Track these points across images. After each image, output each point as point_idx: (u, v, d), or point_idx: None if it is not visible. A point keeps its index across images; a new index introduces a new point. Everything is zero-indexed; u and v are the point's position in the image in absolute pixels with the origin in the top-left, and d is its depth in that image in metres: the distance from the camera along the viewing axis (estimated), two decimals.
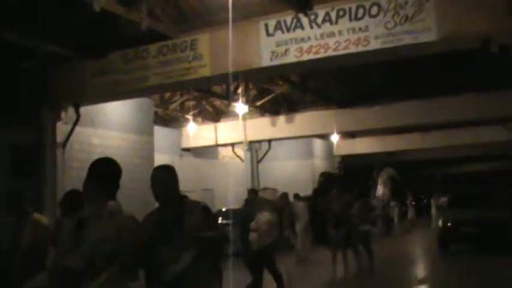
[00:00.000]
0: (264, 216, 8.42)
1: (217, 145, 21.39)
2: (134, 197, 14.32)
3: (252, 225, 8.31)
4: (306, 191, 19.25)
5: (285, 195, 12.31)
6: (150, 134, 15.16)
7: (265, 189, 11.07)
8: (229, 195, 23.51)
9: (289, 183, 22.18)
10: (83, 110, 11.95)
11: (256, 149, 23.71)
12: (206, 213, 3.71)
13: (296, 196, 15.17)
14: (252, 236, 8.13)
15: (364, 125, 18.70)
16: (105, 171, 3.26)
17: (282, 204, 11.92)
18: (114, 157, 3.43)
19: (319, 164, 25.65)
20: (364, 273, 10.42)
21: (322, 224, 11.05)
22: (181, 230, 3.53)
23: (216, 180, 21.96)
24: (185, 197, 3.74)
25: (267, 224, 8.29)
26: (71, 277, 2.98)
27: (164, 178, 3.65)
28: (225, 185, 23.32)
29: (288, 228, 11.78)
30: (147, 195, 3.69)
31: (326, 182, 10.43)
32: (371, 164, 27.76)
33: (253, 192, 9.29)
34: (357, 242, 10.44)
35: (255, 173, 23.43)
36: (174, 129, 20.54)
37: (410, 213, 25.28)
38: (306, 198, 15.74)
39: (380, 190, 10.74)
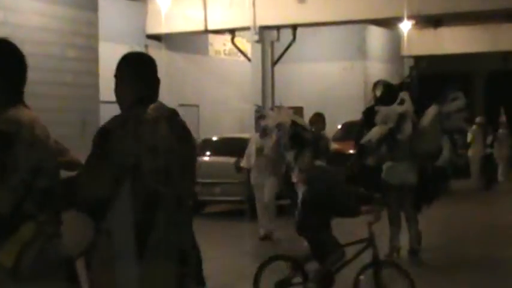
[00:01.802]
0: None
1: (207, 31, 21.56)
2: (66, 111, 14.55)
3: None
4: (354, 114, 19.17)
5: (319, 117, 12.01)
6: (93, 8, 15.14)
7: (279, 107, 10.84)
8: (225, 115, 23.57)
9: (324, 99, 22.25)
10: None
11: (272, 41, 23.45)
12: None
13: None
14: None
15: (456, 6, 18.52)
16: None
17: (316, 131, 11.61)
18: (31, 46, 3.56)
19: (377, 69, 25.65)
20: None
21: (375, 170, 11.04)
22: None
23: (204, 89, 22.34)
24: (141, 102, 3.69)
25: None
26: None
27: (124, 72, 3.76)
28: (218, 99, 23.33)
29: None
30: (89, 107, 3.59)
31: (384, 99, 10.11)
32: (466, 72, 27.49)
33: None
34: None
35: (268, 80, 23.22)
36: (133, 2, 20.58)
37: None
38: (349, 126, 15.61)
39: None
